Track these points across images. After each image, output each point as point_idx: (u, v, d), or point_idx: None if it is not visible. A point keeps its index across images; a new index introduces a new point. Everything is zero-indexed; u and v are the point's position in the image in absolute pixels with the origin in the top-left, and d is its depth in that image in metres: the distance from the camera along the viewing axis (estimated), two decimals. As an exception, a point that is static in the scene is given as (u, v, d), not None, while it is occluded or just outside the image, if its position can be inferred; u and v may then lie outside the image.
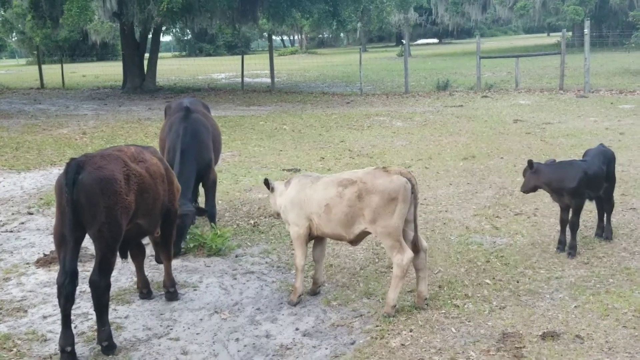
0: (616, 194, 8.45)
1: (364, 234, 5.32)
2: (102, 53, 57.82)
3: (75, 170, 4.57)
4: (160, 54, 29.94)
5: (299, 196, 5.44)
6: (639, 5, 33.54)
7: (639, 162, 10.43)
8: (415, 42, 69.81)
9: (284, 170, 10.87)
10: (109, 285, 4.79)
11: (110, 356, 4.72)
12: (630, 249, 6.52)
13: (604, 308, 5.19)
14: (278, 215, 5.91)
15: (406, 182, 5.02)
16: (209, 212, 7.58)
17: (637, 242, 6.72)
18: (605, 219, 6.87)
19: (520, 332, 4.86)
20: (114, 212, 4.66)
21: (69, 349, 4.61)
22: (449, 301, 5.45)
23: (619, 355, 4.45)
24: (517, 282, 5.83)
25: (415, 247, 5.23)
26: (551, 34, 66.51)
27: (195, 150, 7.23)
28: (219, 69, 37.18)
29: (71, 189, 4.51)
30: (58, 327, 5.09)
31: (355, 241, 5.42)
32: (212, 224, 7.39)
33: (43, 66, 30.92)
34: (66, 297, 4.59)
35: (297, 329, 5.12)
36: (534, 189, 6.64)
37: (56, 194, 4.75)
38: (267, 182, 5.87)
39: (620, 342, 4.62)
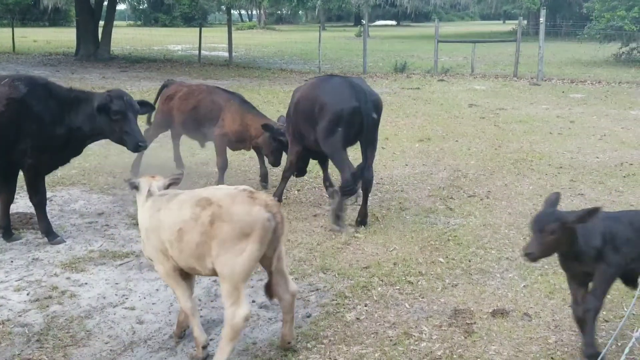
0: (565, 180, 8.74)
1: None
2: (54, 18, 56.05)
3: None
4: (114, 22, 29.24)
5: (152, 221, 4.21)
6: (593, -3, 34.26)
7: (588, 149, 10.76)
8: (374, 23, 69.90)
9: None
10: None
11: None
12: (577, 233, 6.75)
13: (551, 288, 5.38)
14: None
15: (269, 218, 3.93)
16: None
17: (584, 227, 6.95)
18: None
19: (471, 309, 5.01)
20: None
21: None
22: (403, 278, 5.57)
23: (564, 333, 4.64)
24: (469, 261, 5.99)
25: (281, 291, 4.27)
26: (507, 21, 67.49)
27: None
28: (175, 40, 36.58)
29: None
30: (10, 294, 5.06)
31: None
32: None
33: (-8, 29, 29.87)
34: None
35: (253, 301, 5.16)
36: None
37: None
38: (133, 185, 4.47)
39: (566, 321, 4.81)
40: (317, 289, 5.37)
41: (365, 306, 5.06)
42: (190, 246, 4.01)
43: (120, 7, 52.91)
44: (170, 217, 4.08)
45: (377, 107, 6.83)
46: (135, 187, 4.44)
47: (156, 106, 8.76)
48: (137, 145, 6.31)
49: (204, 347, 4.28)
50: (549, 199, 4.21)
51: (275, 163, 8.07)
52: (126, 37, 35.61)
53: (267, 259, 4.11)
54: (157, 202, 4.25)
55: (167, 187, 4.44)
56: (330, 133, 6.70)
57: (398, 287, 5.39)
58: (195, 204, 4.01)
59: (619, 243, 4.10)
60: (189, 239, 4.00)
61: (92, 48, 25.82)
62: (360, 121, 6.62)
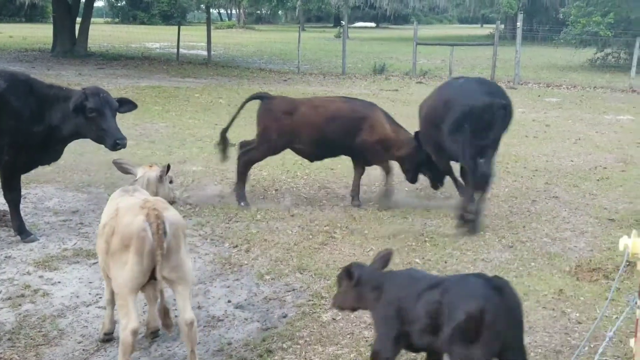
0: (540, 183, 8.82)
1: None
2: (30, 14, 55.35)
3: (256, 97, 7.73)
4: (92, 19, 28.96)
5: (105, 209, 4.23)
6: (569, 2, 34.70)
7: (562, 153, 10.88)
8: (353, 25, 69.99)
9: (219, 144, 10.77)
10: None
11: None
12: (552, 235, 6.82)
13: (525, 290, 5.42)
14: None
15: (145, 228, 3.70)
16: None
17: (558, 229, 7.03)
18: None
19: (447, 309, 5.02)
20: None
21: None
22: (380, 278, 5.57)
23: (538, 334, 4.68)
24: (445, 262, 6.02)
25: (179, 318, 3.96)
26: (484, 25, 68.02)
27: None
28: (153, 38, 36.29)
29: None
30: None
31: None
32: None
33: (-34, 23, 29.41)
34: None
35: (229, 302, 5.13)
36: None
37: None
38: (120, 167, 4.80)
39: (540, 322, 4.86)
40: (294, 289, 5.36)
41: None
42: (98, 251, 4.03)
43: (98, 3, 52.49)
44: (104, 215, 4.10)
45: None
46: (123, 170, 4.63)
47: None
48: (115, 143, 6.17)
49: (105, 334, 4.44)
50: (378, 255, 3.95)
51: (414, 180, 7.95)
52: (103, 34, 35.30)
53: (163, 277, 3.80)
54: (116, 193, 4.26)
55: (160, 178, 4.58)
56: (456, 130, 6.71)
57: (374, 288, 5.39)
58: (113, 212, 3.95)
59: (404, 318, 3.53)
60: (98, 244, 4.02)
61: (69, 45, 25.57)
62: (489, 118, 6.62)
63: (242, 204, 7.51)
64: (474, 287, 3.35)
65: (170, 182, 4.76)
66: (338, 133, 7.52)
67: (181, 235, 3.90)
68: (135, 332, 3.74)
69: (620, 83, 21.26)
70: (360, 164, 7.91)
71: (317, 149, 7.71)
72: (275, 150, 7.86)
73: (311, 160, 8.13)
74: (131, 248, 3.72)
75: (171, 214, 3.87)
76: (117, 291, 3.86)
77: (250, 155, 7.75)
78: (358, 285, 3.74)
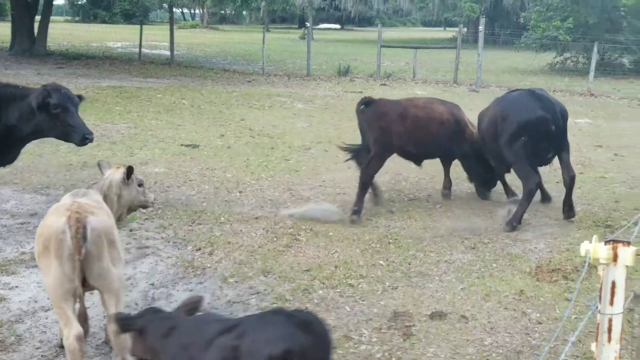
0: (501, 186, 8.95)
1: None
2: (-13, 12, 54.08)
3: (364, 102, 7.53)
4: (51, 17, 28.43)
5: None
6: (530, 7, 35.34)
7: (524, 155, 11.03)
8: (318, 26, 70.11)
9: (182, 145, 10.69)
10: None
11: None
12: (513, 237, 6.92)
13: (487, 291, 5.49)
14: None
15: (64, 230, 3.55)
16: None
17: (519, 230, 7.13)
18: None
19: (410, 311, 5.06)
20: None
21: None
22: (344, 280, 5.59)
23: (499, 335, 4.74)
24: (409, 264, 6.06)
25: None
26: (447, 28, 68.82)
27: None
28: (115, 37, 35.83)
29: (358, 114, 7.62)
30: None
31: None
32: None
33: None
34: None
35: (192, 305, 5.08)
36: None
37: None
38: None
39: (501, 323, 4.92)
40: (258, 292, 5.33)
41: (306, 309, 5.04)
42: (35, 255, 3.86)
43: (58, 1, 51.62)
44: None
45: (564, 115, 7.35)
46: (102, 172, 4.53)
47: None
48: (84, 138, 6.10)
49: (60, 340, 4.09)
50: (185, 301, 3.52)
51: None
52: (63, 32, 34.71)
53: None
54: (66, 196, 4.10)
55: (123, 180, 4.43)
56: (512, 142, 7.23)
57: (339, 290, 5.41)
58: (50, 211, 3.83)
59: None
60: (35, 248, 3.86)
61: (28, 43, 25.05)
62: (545, 130, 7.07)
63: (355, 217, 7.19)
64: (275, 326, 3.00)
65: (140, 185, 4.64)
66: (443, 134, 7.74)
67: (104, 242, 3.71)
68: (79, 338, 3.54)
69: (578, 87, 21.71)
70: (448, 163, 8.31)
71: (426, 149, 7.86)
72: (390, 154, 7.76)
73: (418, 163, 8.17)
74: (51, 251, 3.56)
75: (95, 219, 3.69)
76: (49, 298, 3.63)
77: (371, 166, 7.49)
78: (144, 336, 3.27)
